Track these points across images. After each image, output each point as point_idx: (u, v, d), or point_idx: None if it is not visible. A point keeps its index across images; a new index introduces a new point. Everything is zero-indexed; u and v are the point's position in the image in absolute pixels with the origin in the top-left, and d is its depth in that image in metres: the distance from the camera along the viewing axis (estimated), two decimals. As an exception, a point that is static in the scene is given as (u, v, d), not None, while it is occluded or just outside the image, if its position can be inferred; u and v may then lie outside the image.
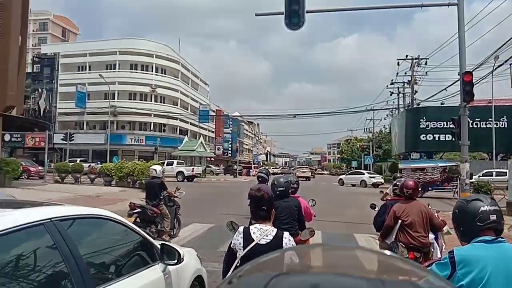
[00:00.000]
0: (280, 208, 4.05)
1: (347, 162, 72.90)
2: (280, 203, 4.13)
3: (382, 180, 33.20)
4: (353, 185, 33.81)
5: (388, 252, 0.96)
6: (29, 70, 39.38)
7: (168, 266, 3.08)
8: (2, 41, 17.33)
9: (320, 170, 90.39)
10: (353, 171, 43.78)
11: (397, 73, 37.34)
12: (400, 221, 4.34)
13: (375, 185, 32.11)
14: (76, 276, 2.11)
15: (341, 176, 39.13)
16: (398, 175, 9.56)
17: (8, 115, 17.78)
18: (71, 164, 26.20)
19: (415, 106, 35.34)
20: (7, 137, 32.87)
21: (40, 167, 28.49)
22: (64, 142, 35.32)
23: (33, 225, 2.02)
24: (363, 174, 36.11)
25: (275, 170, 54.92)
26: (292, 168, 73.47)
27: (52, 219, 2.15)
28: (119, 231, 2.88)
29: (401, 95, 39.78)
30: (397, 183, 5.25)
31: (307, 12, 11.65)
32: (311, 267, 0.72)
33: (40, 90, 48.23)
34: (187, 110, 58.12)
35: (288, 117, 48.71)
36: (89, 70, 51.06)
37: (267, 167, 31.83)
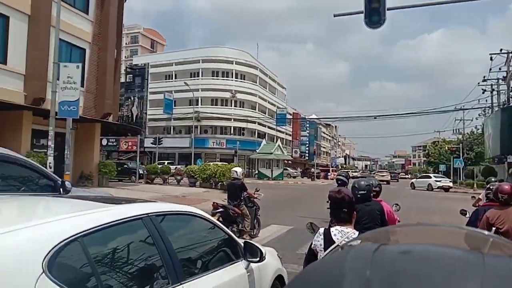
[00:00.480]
0: (362, 212, 3.95)
1: (434, 165, 68.03)
2: (362, 206, 4.03)
3: (450, 184, 32.64)
4: (422, 189, 33.60)
5: (488, 232, 0.94)
6: (122, 80, 43.13)
7: (251, 264, 3.19)
8: (101, 54, 19.30)
9: (404, 174, 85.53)
10: (423, 175, 43.70)
11: (490, 69, 33.93)
12: (494, 228, 4.00)
13: (445, 189, 31.94)
14: (169, 268, 2.30)
15: (412, 180, 40.01)
16: (493, 179, 8.75)
17: (105, 122, 19.68)
18: (159, 166, 28.20)
19: (511, 104, 31.87)
20: (104, 142, 36.28)
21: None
22: (154, 145, 38.16)
23: (133, 219, 2.25)
24: (430, 177, 36.34)
25: (355, 174, 53.34)
26: (372, 172, 70.60)
27: (149, 214, 2.37)
28: (205, 228, 3.06)
29: (495, 92, 36.09)
30: (491, 187, 4.83)
31: (388, 9, 11.20)
32: (413, 239, 0.75)
33: (132, 98, 52.55)
34: (265, 114, 59.12)
35: (368, 119, 46.80)
36: (175, 78, 54.44)
37: (346, 170, 31.06)
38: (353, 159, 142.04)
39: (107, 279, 1.92)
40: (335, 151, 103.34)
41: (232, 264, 3.04)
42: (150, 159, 44.19)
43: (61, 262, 1.69)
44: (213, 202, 9.00)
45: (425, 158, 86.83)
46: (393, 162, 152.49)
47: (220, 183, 22.09)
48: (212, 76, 54.10)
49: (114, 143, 42.72)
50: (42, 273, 1.58)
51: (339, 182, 7.14)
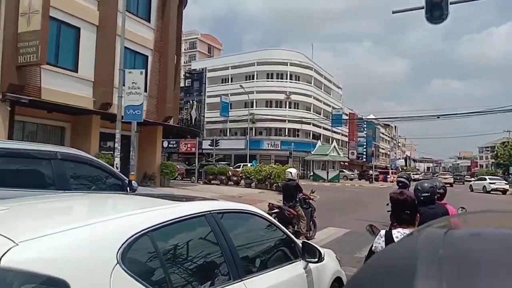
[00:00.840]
0: (425, 215, 3.78)
1: (504, 167, 63.08)
2: (425, 209, 3.86)
3: (506, 186, 32.02)
4: (478, 191, 33.02)
5: None
6: (182, 84, 44.78)
7: (309, 264, 3.18)
8: (162, 61, 20.22)
9: (469, 176, 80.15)
10: (480, 177, 43.33)
11: None
12: None
13: (502, 191, 31.39)
14: (230, 264, 2.37)
15: (471, 183, 39.94)
16: None
17: (167, 125, 20.58)
18: (216, 167, 28.93)
19: None
20: (165, 144, 37.96)
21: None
22: (211, 147, 39.20)
23: (197, 215, 2.36)
24: (485, 179, 35.99)
25: (416, 176, 50.91)
26: (435, 175, 66.98)
27: (211, 212, 2.47)
28: (264, 227, 3.11)
29: None
30: None
31: (451, 3, 10.62)
32: (483, 225, 0.74)
33: (191, 102, 54.39)
34: (320, 114, 58.38)
35: (430, 118, 44.30)
36: (231, 81, 55.55)
37: (408, 172, 29.82)
38: (414, 160, 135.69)
39: (173, 272, 2.03)
40: (395, 153, 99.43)
41: (290, 263, 3.06)
42: (207, 160, 45.42)
43: (132, 255, 1.81)
44: (269, 203, 9.06)
45: (493, 160, 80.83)
46: (458, 164, 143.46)
47: (275, 184, 22.18)
48: (267, 78, 54.50)
49: (174, 145, 44.50)
50: (116, 264, 1.70)
51: (400, 184, 6.89)
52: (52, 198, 2.95)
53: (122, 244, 1.76)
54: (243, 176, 25.04)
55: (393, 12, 12.41)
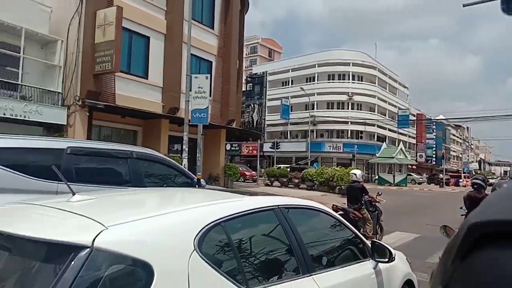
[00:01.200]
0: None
1: None
2: None
3: None
4: None
5: None
6: (243, 88, 45.72)
7: (379, 264, 3.10)
8: (226, 65, 20.78)
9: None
10: None
11: None
12: None
13: None
14: (299, 258, 2.39)
15: None
16: None
17: (230, 127, 21.11)
18: (278, 169, 29.07)
19: None
20: (228, 147, 38.92)
21: (253, 172, 32.75)
22: (272, 150, 39.49)
23: (266, 209, 2.41)
24: None
25: (492, 180, 47.12)
26: (515, 179, 61.46)
27: (279, 206, 2.51)
28: (332, 224, 3.08)
29: None
30: None
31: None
32: None
33: (252, 105, 55.27)
34: (385, 116, 56.21)
35: (508, 118, 40.93)
36: (291, 84, 55.53)
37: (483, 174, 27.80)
38: (489, 164, 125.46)
39: (245, 262, 2.09)
40: (467, 155, 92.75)
41: (359, 262, 3.00)
42: (268, 163, 45.80)
43: (207, 243, 1.89)
44: (333, 205, 8.91)
45: None
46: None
47: (338, 187, 21.77)
48: (328, 80, 53.70)
49: (236, 148, 45.49)
50: (193, 251, 1.79)
51: (475, 186, 6.42)
52: (132, 191, 3.19)
53: (198, 232, 1.85)
54: (305, 179, 24.87)
55: (464, 6, 11.61)
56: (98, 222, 1.66)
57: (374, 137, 54.09)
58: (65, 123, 13.65)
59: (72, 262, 1.46)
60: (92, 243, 1.51)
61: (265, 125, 55.34)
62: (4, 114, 11.69)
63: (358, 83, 53.55)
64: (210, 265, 1.82)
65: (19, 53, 12.81)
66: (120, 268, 1.55)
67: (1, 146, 4.10)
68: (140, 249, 1.63)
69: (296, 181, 26.10)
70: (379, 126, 54.36)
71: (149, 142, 16.47)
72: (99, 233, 1.57)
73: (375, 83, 54.86)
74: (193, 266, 1.74)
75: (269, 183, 27.13)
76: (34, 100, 13.07)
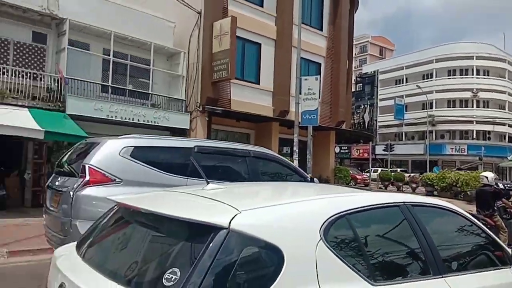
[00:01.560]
0: None
1: None
2: None
3: None
4: None
5: None
6: (353, 89, 44.49)
7: (524, 273, 2.73)
8: (334, 67, 20.52)
9: None
10: None
11: None
12: None
13: None
14: (429, 258, 2.24)
15: None
16: None
17: (339, 129, 20.75)
18: (392, 173, 27.56)
19: None
20: (336, 149, 38.23)
21: (365, 175, 31.62)
22: (385, 152, 37.63)
23: (391, 205, 2.34)
24: None
25: None
26: None
27: (405, 203, 2.40)
28: (463, 226, 2.82)
29: None
30: None
31: None
32: None
33: (363, 106, 53.53)
34: (518, 113, 49.28)
35: None
36: (406, 82, 52.29)
37: None
38: None
39: (370, 257, 2.04)
40: None
41: (497, 269, 2.69)
42: (381, 166, 43.76)
43: (332, 234, 1.90)
44: (460, 211, 8.13)
45: None
46: None
47: (462, 193, 19.71)
48: (448, 76, 49.26)
49: (346, 151, 44.38)
50: (320, 240, 1.82)
51: None
52: (257, 184, 3.37)
53: (324, 222, 1.88)
54: (424, 183, 23.07)
55: None
56: (233, 207, 1.79)
57: (504, 138, 47.88)
58: (188, 128, 14.96)
59: (212, 242, 1.59)
60: (229, 225, 1.63)
61: (377, 127, 53.01)
62: (138, 120, 13.31)
63: (484, 78, 48.05)
64: (336, 255, 1.83)
65: (149, 65, 14.46)
66: (254, 250, 1.65)
67: (142, 145, 4.69)
68: (272, 233, 1.71)
69: (414, 185, 24.38)
70: (510, 126, 47.86)
71: (261, 145, 16.96)
72: (234, 216, 1.69)
73: (504, 78, 48.56)
74: (320, 254, 1.77)
75: (383, 188, 25.88)
76: (162, 107, 14.61)
